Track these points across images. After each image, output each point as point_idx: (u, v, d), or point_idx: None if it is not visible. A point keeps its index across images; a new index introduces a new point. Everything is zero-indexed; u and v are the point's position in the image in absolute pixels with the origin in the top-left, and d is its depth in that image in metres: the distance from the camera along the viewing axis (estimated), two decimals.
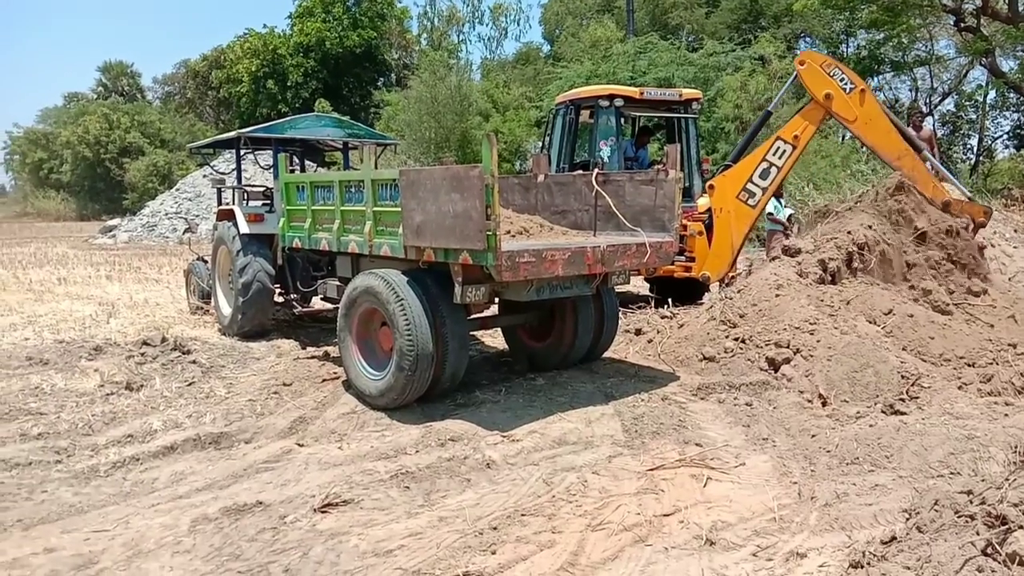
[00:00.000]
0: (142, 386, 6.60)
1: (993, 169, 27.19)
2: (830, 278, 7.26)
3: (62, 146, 52.33)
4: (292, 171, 9.61)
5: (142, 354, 7.62)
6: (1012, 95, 24.65)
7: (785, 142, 8.54)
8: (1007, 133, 29.05)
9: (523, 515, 3.99)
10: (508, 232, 6.35)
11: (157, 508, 4.17)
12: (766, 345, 6.55)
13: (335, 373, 6.94)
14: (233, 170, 10.58)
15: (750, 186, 8.78)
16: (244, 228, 8.56)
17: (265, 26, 44.94)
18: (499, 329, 7.84)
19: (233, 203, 9.44)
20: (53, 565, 3.54)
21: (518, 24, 48.94)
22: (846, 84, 8.17)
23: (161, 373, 7.07)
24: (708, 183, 9.59)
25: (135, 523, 3.98)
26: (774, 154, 8.63)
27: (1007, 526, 2.78)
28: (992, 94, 26.16)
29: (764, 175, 8.72)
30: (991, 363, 6.25)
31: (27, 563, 3.55)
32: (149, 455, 4.98)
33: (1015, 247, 9.21)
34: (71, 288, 13.60)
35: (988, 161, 28.40)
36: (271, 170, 9.62)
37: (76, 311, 10.74)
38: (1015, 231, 9.97)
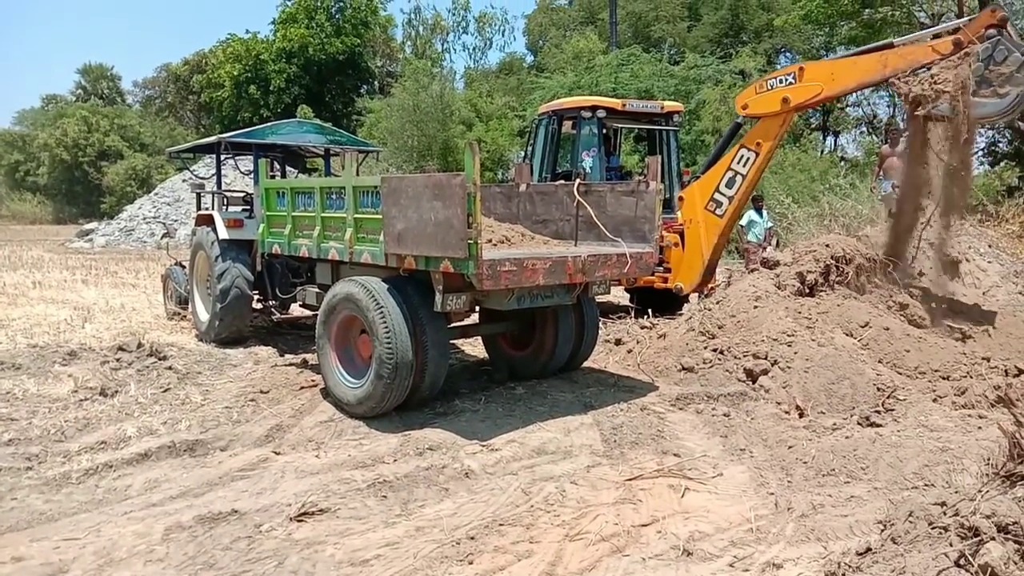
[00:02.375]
0: (117, 392, 6.51)
1: None
2: (808, 290, 7.33)
3: (39, 148, 51.67)
4: (273, 177, 9.56)
5: (117, 359, 7.53)
6: None
7: (749, 150, 8.54)
8: (982, 150, 29.43)
9: (501, 525, 3.98)
10: (489, 241, 6.35)
11: (130, 516, 4.11)
12: (744, 356, 6.60)
13: (313, 381, 6.89)
14: (213, 175, 10.52)
15: (717, 196, 8.80)
16: (223, 234, 8.50)
17: (248, 31, 44.84)
18: (479, 338, 7.83)
19: (212, 208, 9.38)
20: (22, 574, 3.47)
21: (502, 34, 49.18)
22: (786, 79, 8.15)
23: (136, 379, 6.99)
24: (679, 195, 9.62)
25: (107, 531, 3.91)
26: (738, 163, 8.62)
27: (979, 538, 2.82)
28: None
29: (730, 184, 8.73)
30: (965, 376, 6.32)
31: None
32: (123, 462, 4.90)
33: (989, 262, 9.35)
34: (46, 292, 13.41)
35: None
36: (251, 176, 9.57)
37: (51, 315, 10.59)
38: (989, 246, 10.13)
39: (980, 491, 3.15)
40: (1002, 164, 26.43)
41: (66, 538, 3.84)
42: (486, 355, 7.80)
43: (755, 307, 7.05)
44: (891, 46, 7.76)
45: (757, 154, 8.47)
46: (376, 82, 45.16)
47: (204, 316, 8.98)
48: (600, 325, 7.54)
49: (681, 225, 9.44)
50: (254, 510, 4.16)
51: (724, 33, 31.40)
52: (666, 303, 10.03)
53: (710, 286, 9.46)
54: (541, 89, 25.07)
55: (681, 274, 9.33)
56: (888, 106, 30.78)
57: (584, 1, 39.06)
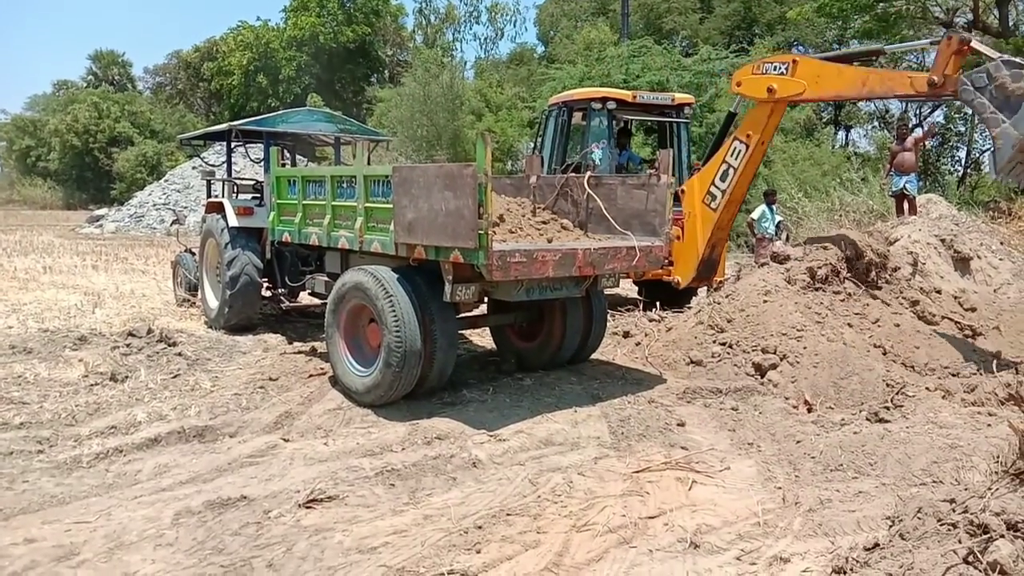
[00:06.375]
0: (127, 377, 6.55)
1: (980, 182, 27.41)
2: (818, 285, 7.30)
3: (50, 134, 51.86)
4: (283, 165, 9.58)
5: (127, 345, 7.56)
6: None
7: (740, 142, 8.40)
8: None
9: (508, 515, 3.99)
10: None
11: (140, 500, 4.14)
12: (753, 350, 6.59)
13: (322, 368, 6.92)
14: (223, 163, 10.54)
15: (712, 189, 8.69)
16: (233, 221, 8.52)
17: (259, 19, 44.90)
18: (487, 328, 7.84)
19: (223, 196, 9.40)
20: (33, 556, 3.50)
21: (514, 24, 49.08)
22: (780, 68, 7.99)
23: (146, 365, 7.02)
24: (680, 187, 9.50)
25: (117, 515, 3.95)
26: (731, 155, 8.50)
27: (989, 535, 2.81)
28: None
29: (724, 177, 8.57)
30: (975, 373, 6.31)
31: (7, 554, 3.52)
32: (133, 447, 4.94)
33: (1000, 259, 9.28)
34: (56, 277, 13.49)
35: (976, 174, 28.64)
36: (261, 163, 9.58)
37: (61, 300, 10.66)
38: (1001, 243, 10.05)
39: (990, 488, 3.14)
40: None
41: (77, 521, 3.87)
42: (494, 346, 7.81)
43: (765, 301, 7.03)
44: (882, 52, 7.81)
45: (747, 146, 8.36)
46: (386, 71, 45.18)
47: (213, 303, 9.02)
48: (608, 317, 7.53)
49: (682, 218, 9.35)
50: (263, 496, 4.18)
51: (736, 25, 31.24)
52: (675, 296, 10.00)
53: (718, 279, 9.41)
54: (552, 80, 24.97)
55: (677, 268, 9.28)
56: (900, 102, 30.57)
57: None
